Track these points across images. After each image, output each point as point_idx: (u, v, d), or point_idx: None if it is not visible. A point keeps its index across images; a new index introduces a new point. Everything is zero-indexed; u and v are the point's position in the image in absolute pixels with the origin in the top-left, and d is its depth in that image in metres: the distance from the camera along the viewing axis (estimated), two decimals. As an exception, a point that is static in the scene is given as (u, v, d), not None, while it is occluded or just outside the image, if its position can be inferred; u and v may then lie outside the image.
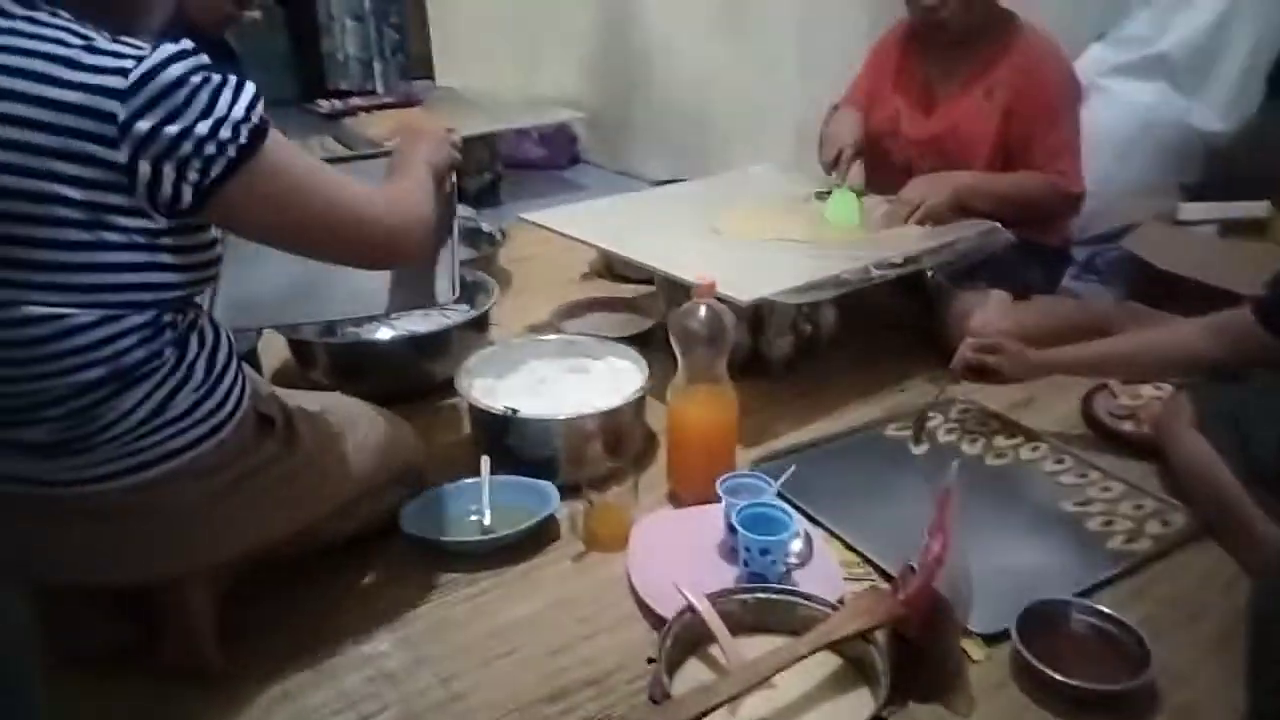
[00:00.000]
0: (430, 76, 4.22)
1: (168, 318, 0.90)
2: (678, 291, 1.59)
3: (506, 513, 1.27)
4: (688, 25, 2.76)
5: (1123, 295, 2.08)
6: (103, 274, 0.84)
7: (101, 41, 0.81)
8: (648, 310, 1.92)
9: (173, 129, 0.81)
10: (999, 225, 1.70)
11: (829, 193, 1.87)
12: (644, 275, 1.88)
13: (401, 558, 1.23)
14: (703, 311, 1.25)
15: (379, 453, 1.18)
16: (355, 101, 2.94)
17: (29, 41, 0.79)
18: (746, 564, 1.14)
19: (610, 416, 1.35)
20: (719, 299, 1.30)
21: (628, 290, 2.10)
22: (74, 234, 0.81)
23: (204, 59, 0.84)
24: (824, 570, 1.18)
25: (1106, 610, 1.07)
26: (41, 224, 0.80)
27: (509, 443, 1.35)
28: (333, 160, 1.36)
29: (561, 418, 1.33)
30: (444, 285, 1.28)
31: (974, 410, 1.57)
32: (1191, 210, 2.11)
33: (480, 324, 1.69)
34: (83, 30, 0.81)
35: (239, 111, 0.84)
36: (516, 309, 2.01)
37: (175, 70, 0.81)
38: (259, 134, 0.86)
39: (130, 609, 1.06)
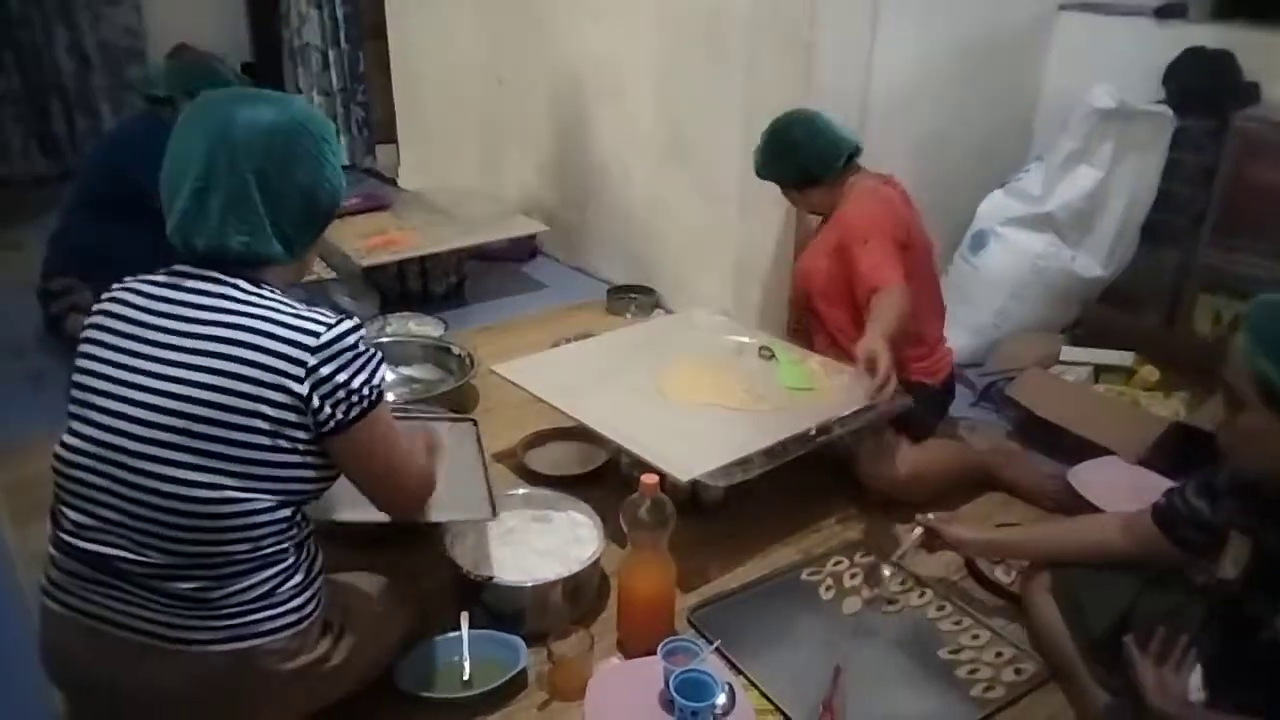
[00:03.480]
0: (393, 140, 4.45)
1: (299, 518, 1.22)
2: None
3: (482, 665, 1.52)
4: (640, 151, 3.02)
5: (1011, 425, 2.42)
6: (275, 469, 1.16)
7: (302, 309, 1.18)
8: (602, 440, 2.18)
9: (341, 377, 1.16)
10: (902, 389, 2.00)
11: (771, 351, 2.16)
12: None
13: (394, 710, 1.46)
14: (649, 503, 1.52)
15: (394, 636, 1.47)
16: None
17: (260, 309, 1.16)
18: (680, 720, 1.42)
19: (571, 579, 1.61)
20: (660, 476, 1.58)
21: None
22: (264, 440, 1.14)
23: (364, 331, 1.21)
24: (743, 719, 1.46)
25: (960, 763, 1.36)
26: (245, 431, 1.13)
27: (485, 598, 1.61)
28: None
29: (529, 585, 1.59)
30: (485, 506, 1.60)
31: (875, 556, 1.86)
32: (1071, 353, 2.45)
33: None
34: (285, 301, 1.18)
35: (377, 379, 1.21)
36: (485, 432, 2.24)
37: (350, 339, 1.17)
38: (381, 397, 1.21)
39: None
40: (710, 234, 2.83)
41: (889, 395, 1.75)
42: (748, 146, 2.60)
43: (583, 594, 1.68)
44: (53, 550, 1.22)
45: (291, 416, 1.14)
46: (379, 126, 4.60)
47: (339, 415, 1.16)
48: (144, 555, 1.15)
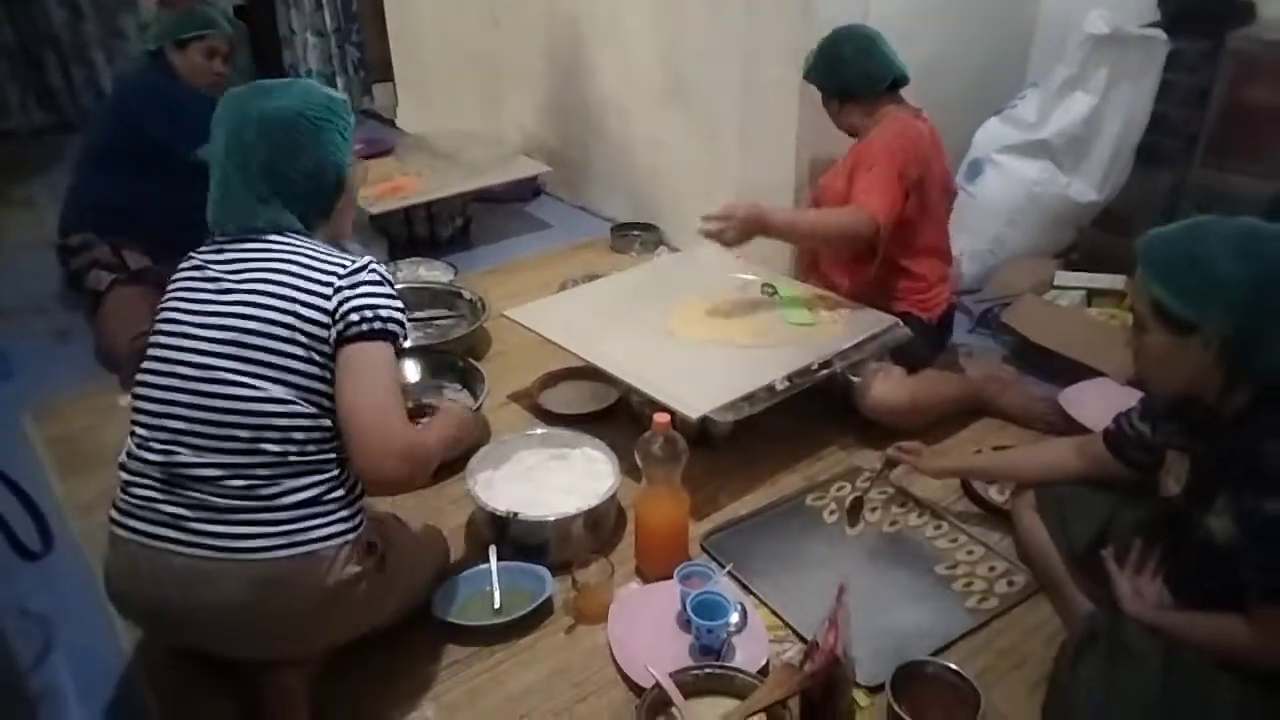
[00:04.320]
0: (389, 79, 4.44)
1: (334, 433, 1.32)
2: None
3: (511, 594, 1.64)
4: (638, 90, 3.04)
5: (1007, 350, 2.50)
6: (312, 380, 1.30)
7: (334, 252, 1.37)
8: (614, 379, 2.27)
9: (356, 296, 1.31)
10: (899, 322, 2.09)
11: (773, 288, 2.23)
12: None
13: (432, 637, 1.59)
14: (662, 440, 1.62)
15: (430, 568, 1.59)
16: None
17: (299, 249, 1.35)
18: (697, 638, 1.53)
19: (591, 512, 1.72)
20: (671, 414, 1.68)
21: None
22: (299, 351, 1.29)
23: (385, 270, 1.37)
24: (755, 635, 1.58)
25: (954, 667, 1.47)
26: (285, 343, 1.29)
27: (511, 533, 1.72)
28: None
29: (552, 519, 1.69)
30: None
31: (875, 477, 1.96)
32: (1066, 277, 2.51)
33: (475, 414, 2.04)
34: (321, 246, 1.37)
35: (385, 312, 1.32)
36: (500, 374, 2.33)
37: (371, 268, 1.35)
38: (386, 333, 1.32)
39: (239, 693, 1.42)
40: (711, 171, 2.87)
41: (718, 228, 2.01)
42: (748, 84, 2.64)
43: (602, 525, 1.79)
44: (122, 474, 1.35)
45: (321, 332, 1.29)
46: (375, 66, 4.58)
47: (338, 329, 1.29)
48: (203, 457, 1.28)
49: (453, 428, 1.55)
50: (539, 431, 1.97)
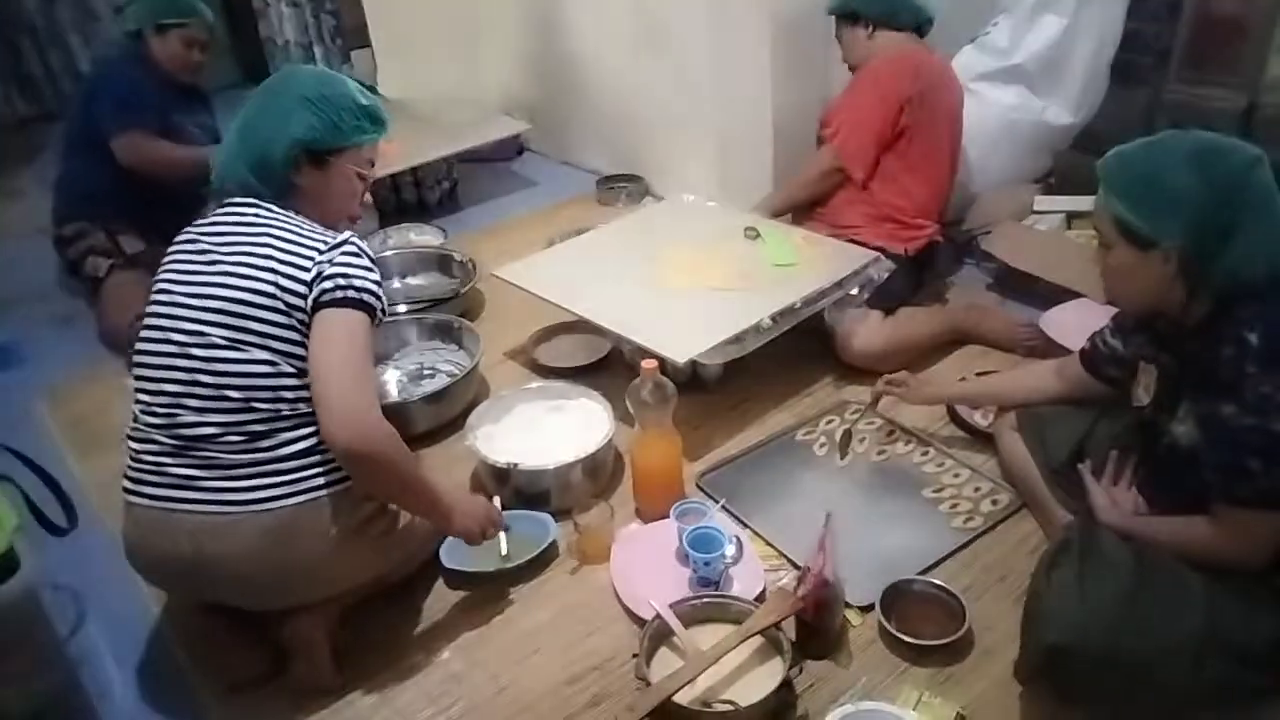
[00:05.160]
0: (366, 44, 4.42)
1: None
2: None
3: (517, 540, 1.71)
4: (613, 41, 3.04)
5: (990, 277, 2.54)
6: (294, 346, 1.38)
7: (319, 229, 1.45)
8: (604, 330, 2.32)
9: (333, 266, 1.38)
10: (880, 256, 2.13)
11: (756, 231, 2.27)
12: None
13: (445, 586, 1.67)
14: (651, 385, 1.68)
15: None
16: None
17: (284, 224, 1.44)
18: (695, 570, 1.61)
19: (589, 459, 1.78)
20: (659, 359, 1.74)
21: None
22: (281, 318, 1.37)
23: (366, 246, 1.44)
24: (750, 566, 1.65)
25: (940, 583, 1.55)
26: (268, 310, 1.37)
27: (513, 483, 1.79)
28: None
29: (551, 467, 1.76)
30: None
31: (863, 410, 2.03)
32: (1045, 202, 2.54)
33: (472, 372, 2.10)
34: (307, 222, 1.46)
35: (359, 282, 1.38)
36: (495, 333, 2.38)
37: (353, 243, 1.42)
38: (360, 303, 1.38)
39: (268, 645, 1.50)
40: (689, 118, 2.89)
41: None
42: (715, 28, 2.65)
43: (600, 471, 1.86)
44: (130, 444, 1.43)
45: (300, 302, 1.37)
46: (352, 33, 4.55)
47: (314, 296, 1.36)
48: (203, 417, 1.37)
49: (451, 497, 1.53)
50: (535, 385, 2.03)
